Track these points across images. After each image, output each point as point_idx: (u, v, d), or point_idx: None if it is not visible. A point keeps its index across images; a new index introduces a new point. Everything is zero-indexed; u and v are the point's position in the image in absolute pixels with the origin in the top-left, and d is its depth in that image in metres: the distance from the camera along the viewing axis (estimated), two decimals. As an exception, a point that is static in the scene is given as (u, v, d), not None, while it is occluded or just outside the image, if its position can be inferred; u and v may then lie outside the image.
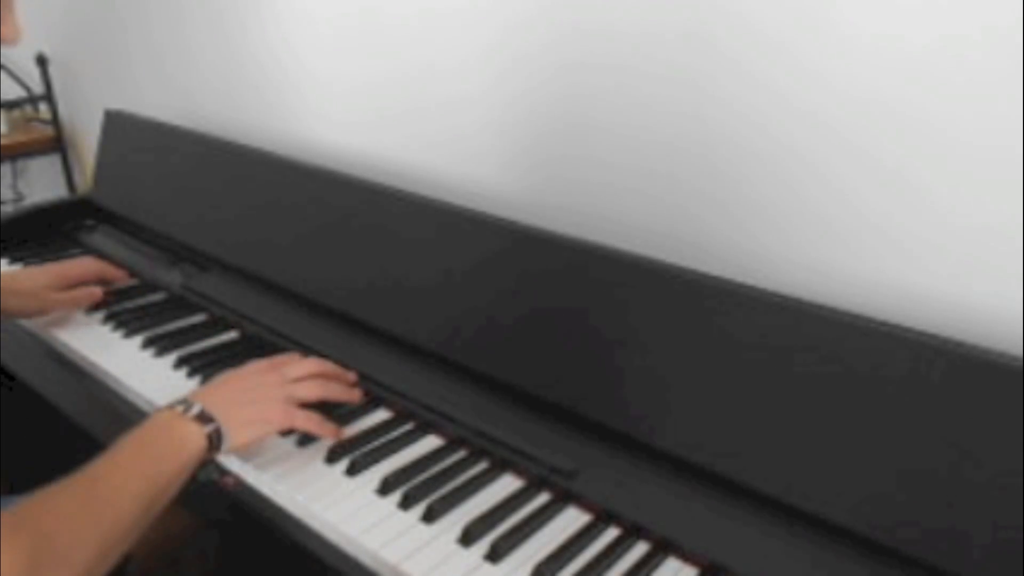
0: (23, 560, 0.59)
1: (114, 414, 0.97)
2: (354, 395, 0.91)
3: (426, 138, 1.24)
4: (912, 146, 0.79)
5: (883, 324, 0.72)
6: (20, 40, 0.70)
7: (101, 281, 1.18)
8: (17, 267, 1.32)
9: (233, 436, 0.78)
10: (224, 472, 0.82)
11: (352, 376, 0.94)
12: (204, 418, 0.77)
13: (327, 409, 0.89)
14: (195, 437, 0.75)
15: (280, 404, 0.82)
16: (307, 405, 0.86)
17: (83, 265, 1.16)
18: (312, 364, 0.90)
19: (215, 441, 0.77)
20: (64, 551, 0.62)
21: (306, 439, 0.86)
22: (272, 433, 0.82)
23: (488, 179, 1.17)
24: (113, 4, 1.80)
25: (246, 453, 0.84)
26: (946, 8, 0.75)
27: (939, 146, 0.78)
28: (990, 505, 0.65)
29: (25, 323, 1.12)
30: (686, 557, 0.72)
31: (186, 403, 0.78)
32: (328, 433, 0.85)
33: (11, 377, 1.13)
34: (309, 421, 0.83)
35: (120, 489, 0.68)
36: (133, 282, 1.25)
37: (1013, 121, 0.73)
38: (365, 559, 0.73)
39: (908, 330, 0.71)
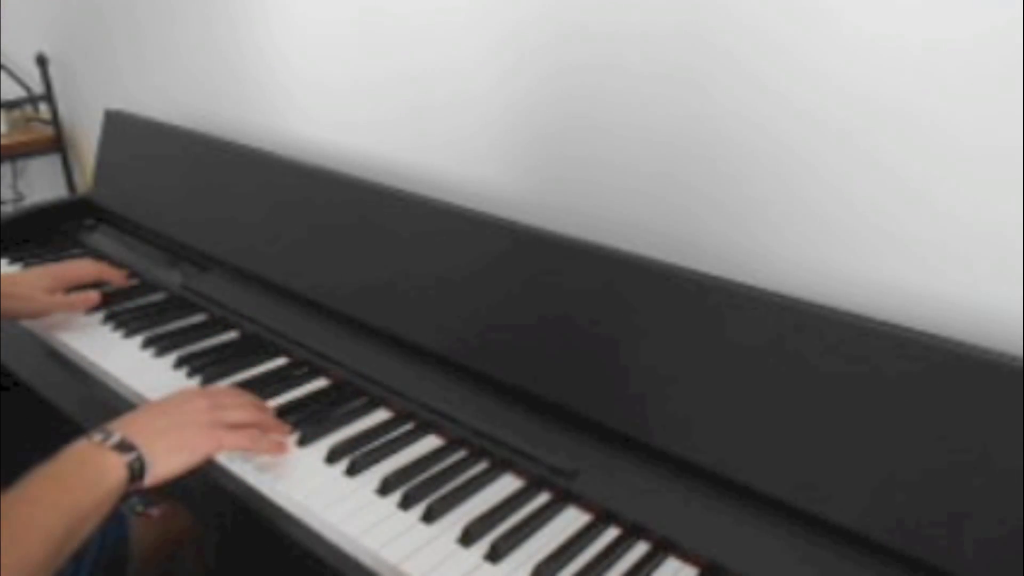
0: None
1: (114, 414, 0.96)
2: (282, 427, 0.86)
3: (427, 138, 1.24)
4: (912, 146, 0.79)
5: (883, 324, 0.72)
6: None
7: (99, 282, 1.17)
8: (17, 267, 1.32)
9: (157, 465, 0.74)
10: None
11: (287, 427, 0.88)
12: (124, 447, 0.73)
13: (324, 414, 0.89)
14: (114, 468, 0.71)
15: (206, 429, 0.79)
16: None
17: (80, 267, 1.16)
18: (237, 392, 0.88)
19: (136, 471, 0.73)
20: None
21: (306, 439, 0.86)
22: (200, 459, 0.78)
23: (489, 179, 1.17)
24: (113, 4, 1.80)
25: (247, 453, 0.84)
26: (946, 8, 0.74)
27: (939, 146, 0.78)
28: (990, 505, 0.65)
29: (25, 323, 1.12)
30: (686, 557, 0.72)
31: (105, 432, 0.74)
32: (269, 448, 0.82)
33: (10, 376, 1.13)
34: (240, 440, 0.80)
35: (33, 526, 0.64)
36: (133, 282, 1.25)
37: (1013, 121, 0.73)
38: (365, 559, 0.73)
39: (908, 330, 0.71)
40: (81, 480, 0.70)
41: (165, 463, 0.75)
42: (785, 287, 0.91)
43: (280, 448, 0.83)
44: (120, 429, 0.75)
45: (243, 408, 0.84)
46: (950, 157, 0.77)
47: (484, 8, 1.11)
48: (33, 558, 0.63)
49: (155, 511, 0.77)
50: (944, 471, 0.67)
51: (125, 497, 0.73)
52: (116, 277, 1.20)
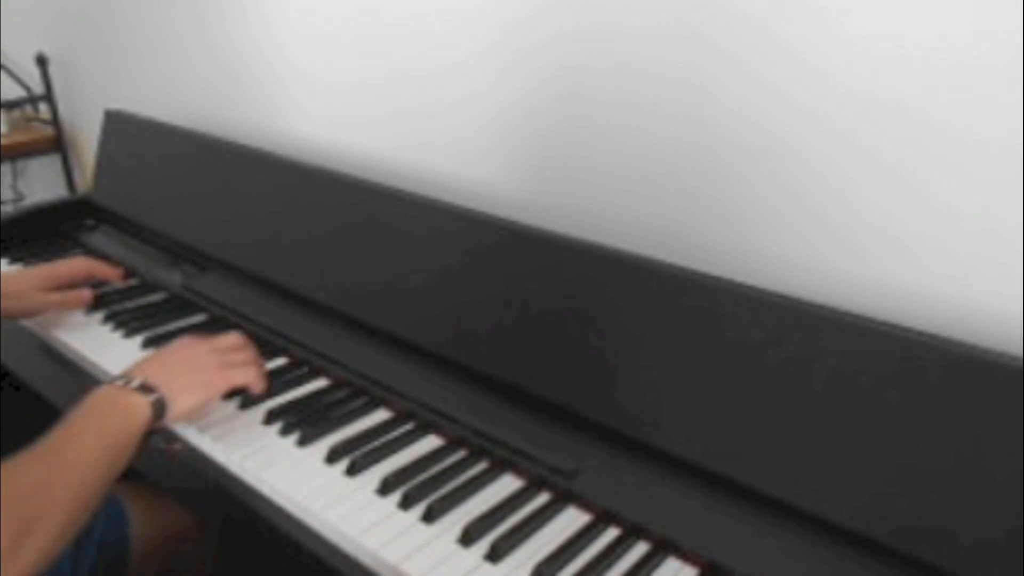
0: (6, 521, 0.63)
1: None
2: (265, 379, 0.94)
3: (427, 138, 1.24)
4: (912, 146, 0.79)
5: (883, 324, 0.72)
6: None
7: (93, 280, 1.16)
8: (17, 267, 1.32)
9: (175, 403, 0.81)
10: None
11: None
12: (146, 388, 0.80)
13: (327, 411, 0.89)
14: (140, 407, 0.78)
15: (214, 368, 0.86)
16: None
17: (73, 265, 1.15)
18: (236, 336, 0.94)
19: (159, 410, 0.80)
20: (40, 512, 0.66)
21: (306, 439, 0.86)
22: (214, 397, 0.87)
23: (488, 179, 1.17)
24: (113, 4, 1.80)
25: (247, 452, 0.84)
26: (946, 8, 0.75)
27: (939, 146, 0.78)
28: (990, 505, 0.65)
29: (25, 323, 1.12)
30: (686, 557, 0.72)
31: (126, 377, 0.81)
32: (262, 386, 0.91)
33: (10, 376, 1.13)
34: (247, 376, 0.89)
35: (80, 456, 0.71)
36: (132, 282, 1.25)
37: (1013, 121, 0.73)
38: (365, 559, 0.73)
39: (908, 330, 0.71)
40: (114, 417, 0.77)
41: (183, 401, 0.82)
42: (785, 287, 0.91)
43: (263, 386, 0.92)
44: (138, 374, 0.82)
45: (241, 350, 0.92)
46: (950, 157, 0.77)
47: (483, 8, 1.11)
48: (88, 485, 0.71)
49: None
50: (944, 471, 0.67)
51: (150, 434, 0.80)
52: (110, 274, 1.19)
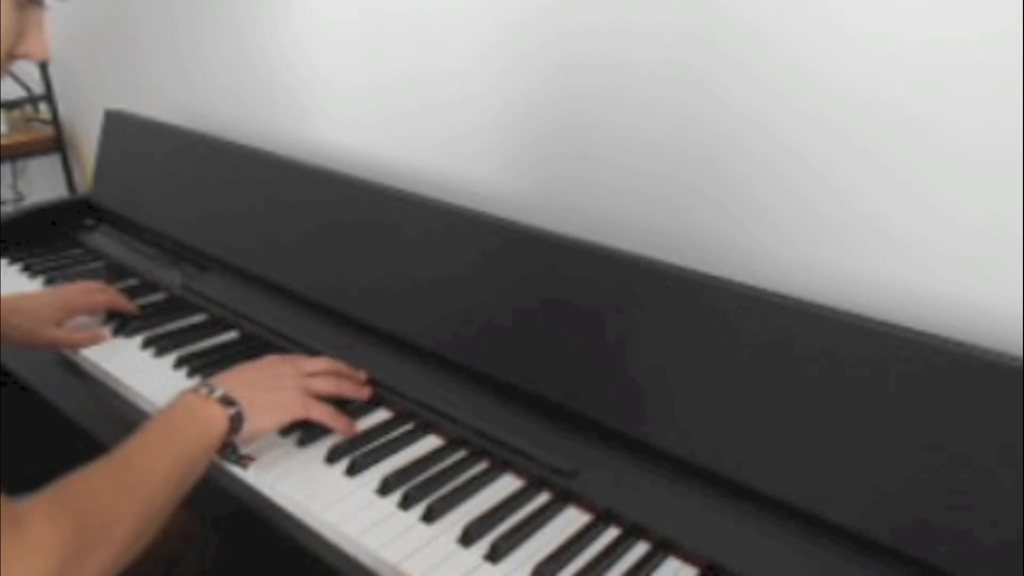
0: (67, 537, 0.60)
1: (114, 414, 0.97)
2: (363, 392, 0.93)
3: (427, 138, 1.24)
4: (912, 146, 0.79)
5: (883, 324, 0.72)
6: (49, 57, 0.70)
7: (108, 311, 1.13)
8: (17, 267, 1.32)
9: (253, 420, 0.80)
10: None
11: (363, 375, 0.95)
12: (226, 401, 0.79)
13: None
14: (218, 419, 0.77)
15: (298, 394, 0.85)
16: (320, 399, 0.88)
17: (90, 298, 1.10)
18: (325, 361, 0.92)
19: (235, 424, 0.79)
20: (104, 528, 0.64)
21: (306, 439, 0.86)
22: (289, 420, 0.84)
23: (488, 179, 1.17)
24: (113, 4, 1.80)
25: (246, 452, 0.84)
26: (946, 8, 0.75)
27: (939, 146, 0.78)
28: (990, 505, 0.65)
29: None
30: (686, 557, 0.72)
31: (209, 386, 0.80)
32: (342, 427, 0.86)
33: (10, 376, 1.13)
34: (324, 413, 0.86)
35: (151, 468, 0.70)
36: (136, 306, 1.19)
37: (1013, 121, 0.73)
38: (365, 559, 0.73)
39: (908, 330, 0.71)
40: (192, 429, 0.76)
41: (260, 420, 0.81)
42: (785, 287, 0.91)
43: (350, 429, 0.87)
44: (222, 385, 0.81)
45: (326, 379, 0.89)
46: (950, 157, 0.77)
47: (483, 7, 1.11)
48: (156, 500, 0.69)
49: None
50: (944, 471, 0.67)
51: (223, 448, 0.79)
52: (125, 308, 1.14)
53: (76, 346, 1.06)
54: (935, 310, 0.82)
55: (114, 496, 0.66)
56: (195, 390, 0.79)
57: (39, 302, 1.06)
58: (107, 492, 0.66)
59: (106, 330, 1.10)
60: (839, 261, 0.87)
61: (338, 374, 0.92)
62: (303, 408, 0.84)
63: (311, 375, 0.88)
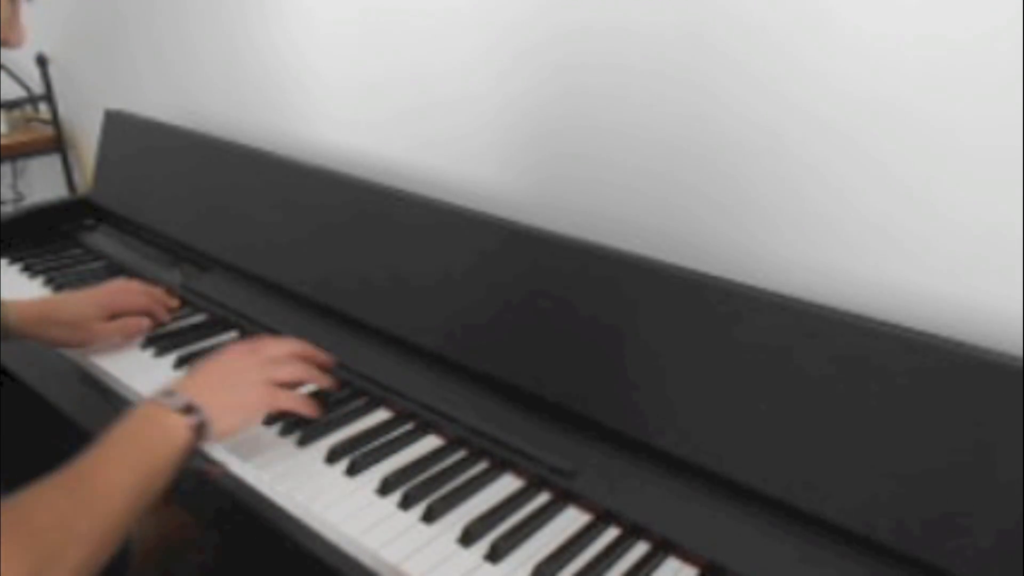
0: (24, 558, 0.58)
1: (114, 414, 0.96)
2: (329, 379, 0.91)
3: (426, 138, 1.24)
4: (912, 146, 0.79)
5: (883, 324, 0.72)
6: (24, 44, 0.70)
7: (151, 311, 1.11)
8: (17, 267, 1.32)
9: (219, 423, 0.78)
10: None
11: (328, 357, 0.93)
12: (188, 409, 0.76)
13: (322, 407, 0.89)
14: (180, 429, 0.75)
15: (261, 387, 0.82)
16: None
17: (131, 297, 1.08)
18: (290, 344, 0.89)
19: (200, 432, 0.76)
20: (60, 548, 0.61)
21: (306, 439, 0.86)
22: (257, 418, 0.82)
23: (488, 179, 1.17)
24: (113, 4, 1.80)
25: (246, 452, 0.84)
26: (946, 8, 0.74)
27: (939, 146, 0.78)
28: (990, 505, 0.65)
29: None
30: (686, 557, 0.72)
31: (169, 394, 0.77)
32: (310, 411, 0.85)
33: (9, 375, 1.13)
34: (291, 401, 0.84)
35: (110, 483, 0.68)
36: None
37: (1013, 121, 0.73)
38: (365, 559, 0.73)
39: (908, 330, 0.71)
40: (152, 440, 0.73)
41: (226, 422, 0.79)
42: (785, 287, 0.91)
43: (315, 411, 0.86)
44: (182, 390, 0.78)
45: (292, 365, 0.87)
46: (950, 157, 0.77)
47: (483, 8, 1.10)
48: (116, 516, 0.67)
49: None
50: (944, 471, 0.67)
51: (190, 455, 0.76)
52: (162, 317, 1.11)
53: (123, 335, 1.05)
54: (935, 310, 0.82)
55: (72, 513, 0.64)
56: (154, 400, 0.77)
57: (82, 302, 1.04)
58: (64, 509, 0.64)
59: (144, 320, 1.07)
60: (839, 261, 0.87)
61: (303, 356, 0.89)
62: (270, 400, 0.82)
63: (275, 360, 0.86)
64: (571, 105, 1.05)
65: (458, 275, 0.99)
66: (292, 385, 0.86)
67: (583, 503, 0.78)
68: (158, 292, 1.13)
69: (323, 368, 0.92)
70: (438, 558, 0.71)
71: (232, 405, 0.80)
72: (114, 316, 1.05)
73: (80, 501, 0.65)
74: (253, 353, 0.85)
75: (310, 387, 0.92)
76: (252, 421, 0.82)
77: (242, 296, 1.17)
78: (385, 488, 0.79)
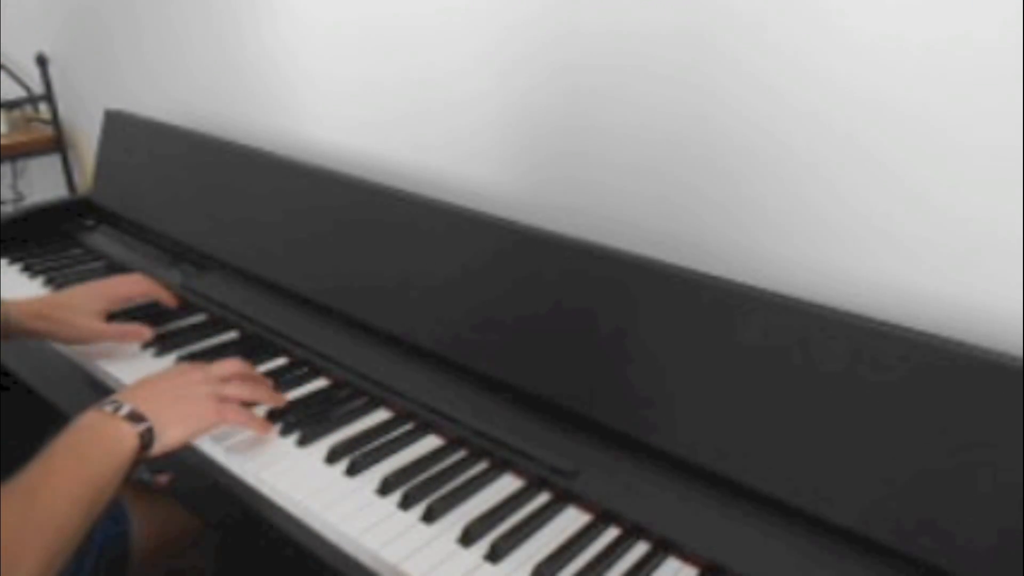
0: None
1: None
2: (278, 399, 0.91)
3: (427, 139, 1.24)
4: (912, 146, 0.79)
5: (883, 324, 0.72)
6: None
7: (151, 303, 1.12)
8: (17, 267, 1.32)
9: (164, 433, 0.77)
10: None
11: (268, 381, 0.93)
12: (135, 417, 0.75)
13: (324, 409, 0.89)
14: (128, 437, 0.73)
15: (210, 400, 0.81)
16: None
17: (131, 284, 1.09)
18: (235, 364, 0.89)
19: (147, 440, 0.75)
20: (11, 564, 0.60)
21: (306, 439, 0.86)
22: (204, 429, 0.81)
23: (488, 179, 1.17)
24: (113, 4, 1.80)
25: (246, 452, 0.84)
26: (947, 8, 0.74)
27: (939, 146, 0.78)
28: (990, 505, 0.65)
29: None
30: (686, 557, 0.72)
31: (115, 403, 0.76)
32: (258, 427, 0.85)
33: (9, 376, 1.13)
34: (239, 416, 0.83)
35: (59, 495, 0.66)
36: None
37: (1013, 121, 0.73)
38: (365, 559, 0.73)
39: (908, 330, 0.71)
40: (98, 450, 0.72)
41: (172, 433, 0.77)
42: (785, 287, 0.91)
43: (266, 428, 0.86)
44: (128, 400, 0.77)
45: (240, 384, 0.86)
46: (950, 157, 0.77)
47: (483, 8, 1.11)
48: (65, 528, 0.65)
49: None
50: (944, 471, 0.67)
51: (136, 464, 0.75)
52: (167, 296, 1.13)
53: (121, 340, 1.04)
54: (935, 310, 0.82)
55: (19, 528, 0.63)
56: (100, 408, 0.75)
57: (83, 294, 1.04)
58: (12, 525, 0.62)
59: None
60: (839, 261, 0.87)
61: (251, 378, 0.89)
62: (216, 414, 0.81)
63: (223, 379, 0.85)
64: (571, 105, 1.05)
65: (458, 275, 0.99)
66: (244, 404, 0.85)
67: (583, 503, 0.78)
68: (155, 283, 1.13)
69: (267, 388, 0.91)
70: (438, 558, 0.71)
71: (179, 416, 0.78)
72: (116, 305, 1.06)
73: (29, 516, 0.64)
74: (199, 370, 0.85)
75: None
76: (200, 434, 0.81)
77: (242, 296, 1.17)
78: (385, 488, 0.79)
